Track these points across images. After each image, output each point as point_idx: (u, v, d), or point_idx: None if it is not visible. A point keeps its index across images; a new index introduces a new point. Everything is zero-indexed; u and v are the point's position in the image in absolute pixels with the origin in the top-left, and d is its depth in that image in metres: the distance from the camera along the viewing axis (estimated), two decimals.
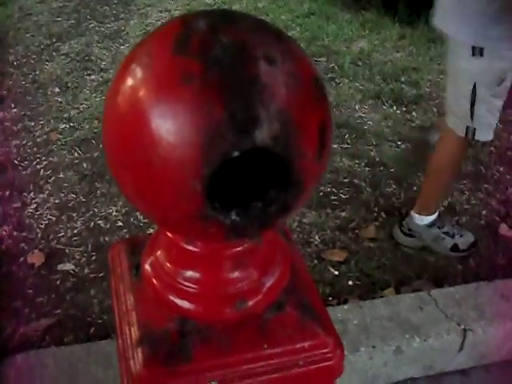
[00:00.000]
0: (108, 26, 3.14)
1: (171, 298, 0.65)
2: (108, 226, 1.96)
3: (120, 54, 2.89)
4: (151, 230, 1.93)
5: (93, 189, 2.10)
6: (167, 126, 0.51)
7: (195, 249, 0.63)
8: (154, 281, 0.66)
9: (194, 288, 0.65)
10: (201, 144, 0.49)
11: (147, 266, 0.68)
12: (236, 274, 0.64)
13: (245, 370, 0.63)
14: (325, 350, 0.65)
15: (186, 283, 0.64)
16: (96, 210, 2.01)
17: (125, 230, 1.93)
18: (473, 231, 1.93)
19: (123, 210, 2.01)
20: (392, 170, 2.23)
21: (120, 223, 1.96)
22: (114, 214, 2.00)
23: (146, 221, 1.96)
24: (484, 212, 2.07)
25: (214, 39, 0.51)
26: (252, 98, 0.49)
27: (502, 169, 2.28)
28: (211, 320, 0.64)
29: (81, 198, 2.06)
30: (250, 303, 0.64)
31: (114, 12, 3.28)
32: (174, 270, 0.65)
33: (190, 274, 0.65)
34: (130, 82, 0.55)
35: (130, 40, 2.99)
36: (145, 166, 0.53)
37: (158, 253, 0.68)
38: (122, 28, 3.12)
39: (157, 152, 0.51)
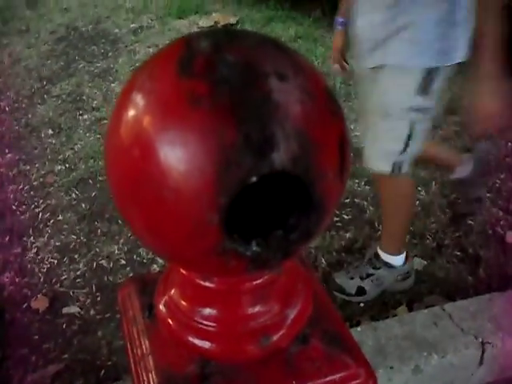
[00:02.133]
0: (97, 65, 3.15)
1: (190, 338, 0.61)
2: (111, 265, 1.93)
3: (111, 91, 2.89)
4: (155, 267, 1.90)
5: (93, 228, 2.08)
6: (177, 154, 0.47)
7: (212, 285, 0.59)
8: (170, 321, 0.62)
9: (213, 326, 0.61)
10: (215, 171, 0.46)
11: (161, 307, 0.64)
12: (257, 309, 0.61)
13: None
14: (357, 381, 0.61)
15: (205, 322, 0.61)
16: (98, 249, 1.99)
17: (128, 268, 1.90)
18: (480, 241, 1.91)
19: (125, 248, 1.98)
20: None
21: (123, 261, 1.94)
22: (117, 252, 1.98)
23: (149, 257, 1.94)
24: (489, 221, 2.05)
25: (219, 58, 0.48)
26: (266, 117, 0.46)
27: (502, 176, 2.27)
28: (234, 359, 0.61)
29: (81, 238, 2.04)
30: (275, 338, 0.60)
31: (102, 51, 3.30)
32: (191, 309, 0.62)
33: (208, 311, 0.61)
34: (132, 109, 0.50)
35: (120, 77, 3.00)
36: (155, 200, 0.49)
37: (172, 291, 0.64)
38: (112, 66, 3.13)
39: (167, 183, 0.47)
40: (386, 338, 1.54)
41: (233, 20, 3.59)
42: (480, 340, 1.52)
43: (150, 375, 0.61)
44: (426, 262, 1.88)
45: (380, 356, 1.49)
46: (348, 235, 2.00)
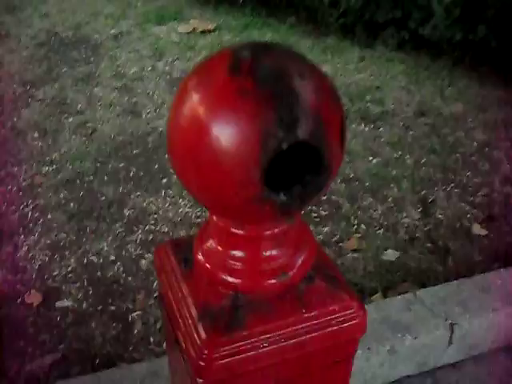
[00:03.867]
0: (79, 69, 3.22)
1: (223, 277, 0.77)
2: (101, 260, 2.01)
3: (94, 95, 2.97)
4: (143, 262, 1.99)
5: (82, 227, 2.16)
6: (231, 130, 0.64)
7: (243, 232, 0.76)
8: (207, 265, 0.79)
9: (242, 266, 0.77)
10: (259, 141, 0.63)
11: (199, 255, 0.80)
12: (276, 252, 0.77)
13: (288, 331, 0.76)
14: (351, 311, 0.80)
15: (236, 262, 0.77)
16: (87, 246, 2.07)
17: (118, 263, 1.99)
18: (449, 233, 2.06)
19: (114, 245, 2.07)
20: (367, 184, 2.35)
21: (112, 257, 2.02)
22: (106, 249, 2.06)
23: (137, 253, 2.03)
24: (457, 215, 2.19)
25: (258, 64, 0.66)
26: (293, 105, 0.64)
27: (468, 173, 2.42)
28: (259, 293, 0.78)
29: (71, 236, 2.11)
30: (290, 274, 0.78)
31: (84, 56, 3.37)
32: (225, 253, 0.78)
33: (238, 254, 0.77)
34: (191, 98, 0.68)
35: (103, 82, 3.08)
36: (213, 164, 0.66)
37: (209, 241, 0.80)
38: (94, 71, 3.21)
39: (222, 151, 0.65)
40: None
41: (211, 26, 3.69)
42: (449, 322, 1.65)
43: (192, 310, 0.76)
44: (398, 254, 2.01)
45: None
46: (326, 229, 2.12)
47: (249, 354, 0.75)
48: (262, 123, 0.63)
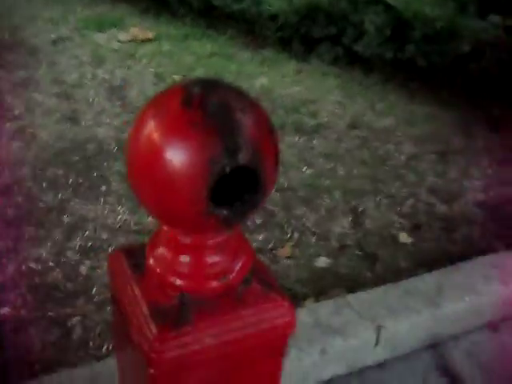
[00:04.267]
0: (17, 74, 3.19)
1: (172, 280, 0.89)
2: (40, 267, 2.02)
3: (33, 100, 2.95)
4: (83, 268, 2.02)
5: (20, 233, 2.15)
6: (182, 155, 0.76)
7: (189, 241, 0.88)
8: (158, 270, 0.90)
9: (188, 270, 0.89)
10: (206, 165, 0.75)
11: (150, 260, 0.91)
12: (217, 258, 0.90)
13: (229, 327, 0.88)
14: (282, 310, 0.92)
15: (182, 267, 0.89)
16: (26, 253, 2.07)
17: (58, 270, 2.00)
18: (377, 241, 2.18)
19: (53, 251, 2.08)
20: (300, 194, 2.45)
21: (51, 263, 2.03)
22: (45, 255, 2.06)
23: (76, 258, 2.05)
24: (386, 224, 2.32)
25: (206, 99, 0.78)
26: (236, 135, 0.76)
27: (396, 184, 2.56)
28: (203, 293, 0.90)
29: (9, 243, 2.11)
30: (230, 277, 0.90)
31: (22, 61, 3.34)
32: (173, 259, 0.90)
33: (185, 260, 0.89)
34: (147, 126, 0.78)
35: (42, 87, 3.06)
36: (166, 183, 0.77)
37: (159, 249, 0.91)
38: (32, 76, 3.18)
39: (176, 171, 0.76)
40: (296, 326, 1.74)
41: (151, 35, 3.73)
42: (376, 324, 1.77)
43: (144, 309, 0.86)
44: (330, 261, 2.12)
45: (291, 340, 1.69)
46: (260, 237, 2.20)
47: (194, 347, 0.85)
48: (210, 151, 0.74)
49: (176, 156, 0.75)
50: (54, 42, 3.58)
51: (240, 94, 0.82)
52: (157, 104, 0.81)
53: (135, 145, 0.80)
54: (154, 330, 0.83)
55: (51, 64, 3.32)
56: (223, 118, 0.75)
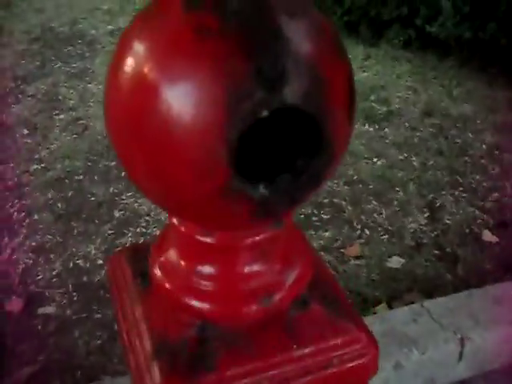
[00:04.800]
0: (73, 65, 3.12)
1: (187, 300, 0.58)
2: (88, 264, 1.90)
3: (88, 92, 2.86)
4: None
5: (69, 228, 2.05)
6: (184, 88, 0.46)
7: (212, 240, 0.57)
8: (166, 284, 0.60)
9: (212, 286, 0.59)
10: (225, 104, 0.44)
11: (156, 270, 0.62)
12: (257, 267, 0.59)
13: (274, 374, 0.57)
14: (358, 346, 0.62)
15: (204, 282, 0.58)
16: (74, 249, 1.96)
17: (106, 268, 1.87)
18: (458, 240, 1.94)
19: (102, 248, 1.96)
20: (371, 187, 2.23)
21: (100, 261, 1.91)
22: (93, 252, 1.95)
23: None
24: (466, 220, 2.07)
25: None
26: (279, 50, 0.45)
27: (477, 177, 2.30)
28: (234, 322, 0.59)
29: (58, 238, 2.00)
30: (276, 299, 0.59)
31: (79, 52, 3.27)
32: (189, 269, 0.59)
33: (207, 270, 0.59)
34: (137, 46, 0.50)
35: (98, 78, 2.97)
36: (160, 139, 0.47)
37: (169, 252, 0.62)
38: (88, 67, 3.10)
39: (174, 120, 0.46)
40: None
41: None
42: (459, 336, 1.54)
43: (145, 342, 0.58)
44: (404, 261, 1.90)
45: None
46: (327, 234, 2.01)
47: None
48: (230, 77, 0.44)
49: (175, 91, 0.46)
50: (111, 33, 3.49)
51: None
52: (147, 11, 0.51)
53: (114, 81, 0.52)
54: (158, 378, 0.53)
55: (108, 54, 3.23)
56: (254, 20, 0.44)
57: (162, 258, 0.62)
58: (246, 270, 0.59)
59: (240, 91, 0.43)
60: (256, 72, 0.43)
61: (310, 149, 0.49)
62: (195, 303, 0.58)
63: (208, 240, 0.57)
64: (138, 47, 0.49)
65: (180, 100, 0.46)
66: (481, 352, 1.57)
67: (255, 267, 0.59)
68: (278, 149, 0.50)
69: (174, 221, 0.60)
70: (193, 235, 0.58)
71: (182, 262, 0.60)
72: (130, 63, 0.50)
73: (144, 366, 0.56)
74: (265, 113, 0.44)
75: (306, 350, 0.59)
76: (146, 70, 0.48)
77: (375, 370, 0.65)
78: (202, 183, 0.47)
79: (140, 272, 0.63)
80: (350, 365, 0.61)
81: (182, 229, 0.59)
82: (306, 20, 0.49)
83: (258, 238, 0.58)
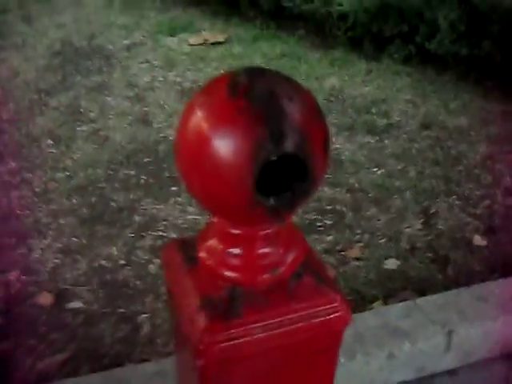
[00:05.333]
0: (92, 79, 3.30)
1: (222, 271, 0.89)
2: (111, 264, 2.07)
3: (107, 104, 3.05)
4: (152, 267, 2.06)
5: (93, 231, 2.22)
6: (229, 142, 0.76)
7: (240, 232, 0.87)
8: (208, 262, 0.91)
9: (239, 262, 0.89)
10: (252, 152, 0.75)
11: (202, 253, 0.92)
12: (268, 250, 0.89)
13: (280, 320, 0.87)
14: (335, 304, 0.90)
15: (234, 259, 0.89)
16: (98, 250, 2.13)
17: (128, 268, 2.05)
18: (450, 244, 2.11)
19: (124, 250, 2.13)
20: (370, 195, 2.40)
21: (122, 261, 2.08)
22: (116, 253, 2.12)
23: (146, 257, 2.09)
24: (459, 225, 2.24)
25: (253, 87, 0.78)
26: (282, 122, 0.75)
27: (471, 186, 2.46)
28: (253, 286, 0.89)
29: (82, 240, 2.18)
30: (281, 270, 0.89)
31: (97, 66, 3.45)
32: (224, 251, 0.89)
33: (236, 251, 0.89)
34: (196, 114, 0.79)
35: (115, 91, 3.16)
36: (213, 170, 0.78)
37: (210, 241, 0.92)
38: (106, 80, 3.29)
39: (222, 160, 0.77)
40: (364, 328, 1.71)
41: (221, 38, 3.77)
42: (447, 329, 1.70)
43: (193, 300, 0.87)
44: (399, 263, 2.07)
45: (358, 343, 1.66)
46: (329, 238, 2.18)
47: (243, 340, 0.85)
48: (255, 137, 0.74)
49: (222, 144, 0.76)
50: (128, 48, 3.68)
51: (287, 80, 0.82)
52: (204, 93, 0.82)
53: (183, 134, 0.81)
54: (204, 322, 0.83)
55: (124, 68, 3.42)
56: (269, 104, 0.76)
57: (206, 244, 0.93)
58: (261, 251, 0.89)
59: (260, 145, 0.75)
60: (269, 134, 0.74)
61: (300, 177, 0.79)
62: (228, 273, 0.89)
63: (237, 232, 0.87)
64: (198, 115, 0.79)
65: (225, 150, 0.76)
66: (466, 344, 1.74)
67: (267, 250, 0.89)
68: (282, 177, 0.80)
69: (214, 219, 0.90)
70: (227, 228, 0.88)
71: (220, 246, 0.90)
72: (193, 125, 0.80)
73: (194, 315, 0.85)
74: (274, 157, 0.75)
75: (300, 305, 0.89)
76: (204, 129, 0.78)
77: (348, 321, 0.93)
78: (236, 197, 0.78)
79: (187, 256, 0.93)
80: (330, 317, 0.90)
81: (220, 224, 0.89)
82: (298, 100, 0.79)
83: (269, 230, 0.87)
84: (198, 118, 0.78)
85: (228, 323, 0.84)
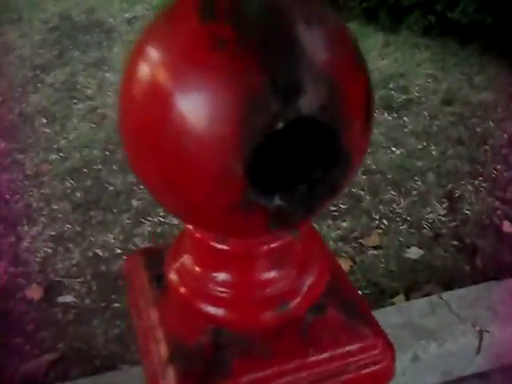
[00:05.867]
0: (91, 54, 3.12)
1: (202, 306, 0.59)
2: (106, 254, 1.92)
3: (105, 81, 2.87)
4: None
5: (87, 218, 2.06)
6: (199, 100, 0.45)
7: (228, 247, 0.57)
8: (181, 289, 0.60)
9: (228, 293, 0.59)
10: (240, 116, 0.44)
11: (172, 275, 0.62)
12: (273, 274, 0.59)
13: (289, 380, 0.57)
14: (375, 352, 0.62)
15: (219, 288, 0.59)
16: (93, 238, 1.98)
17: (124, 257, 1.89)
18: (477, 230, 1.92)
19: (120, 237, 1.98)
20: (389, 176, 2.22)
21: (118, 250, 1.93)
22: (112, 241, 1.96)
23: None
24: (486, 211, 2.05)
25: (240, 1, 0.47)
26: (294, 61, 0.45)
27: (498, 167, 2.27)
28: (249, 328, 0.59)
29: (76, 227, 2.02)
30: (292, 305, 0.59)
31: (96, 40, 3.27)
32: (204, 275, 0.60)
33: (222, 277, 0.59)
34: (150, 56, 0.49)
35: (115, 67, 2.97)
36: (174, 151, 0.47)
37: (184, 258, 0.62)
38: (106, 55, 3.10)
39: (188, 133, 0.46)
40: (384, 327, 1.52)
41: None
42: (477, 328, 1.53)
43: (160, 346, 0.59)
44: (422, 252, 1.89)
45: None
46: (345, 224, 2.00)
47: None
48: (245, 89, 0.44)
49: (189, 103, 0.46)
50: (129, 21, 3.49)
51: None
52: (162, 20, 0.50)
53: (127, 90, 0.51)
54: (172, 382, 0.53)
55: (125, 43, 3.23)
56: (270, 31, 0.45)
57: (178, 264, 0.62)
58: (262, 276, 0.59)
59: (255, 103, 0.44)
60: (271, 84, 0.43)
61: (326, 160, 0.49)
62: (210, 309, 0.59)
63: (223, 247, 0.57)
64: (152, 57, 0.49)
65: (194, 111, 0.46)
66: (499, 345, 1.56)
67: (271, 274, 0.59)
68: (295, 160, 0.52)
69: (189, 227, 0.60)
70: (208, 242, 0.58)
71: (197, 268, 0.60)
72: (143, 73, 0.49)
73: (159, 370, 0.57)
74: (280, 125, 0.44)
75: (322, 356, 0.59)
76: (160, 80, 0.48)
77: (392, 376, 0.65)
78: (216, 195, 0.47)
79: (156, 275, 0.64)
80: (366, 371, 0.61)
81: (197, 235, 0.59)
82: (322, 29, 0.49)
83: (273, 245, 0.58)
84: (151, 62, 0.48)
85: None
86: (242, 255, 0.58)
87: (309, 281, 0.60)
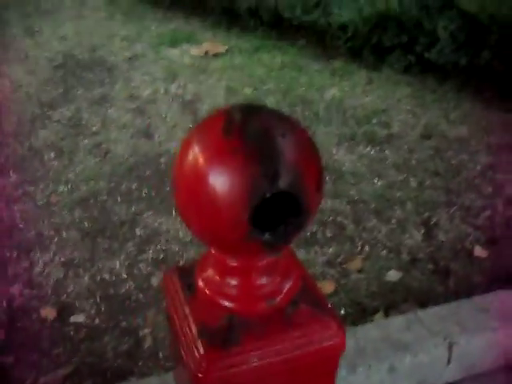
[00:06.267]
0: (94, 91, 3.33)
1: (220, 301, 0.92)
2: (113, 278, 2.08)
3: (108, 117, 3.07)
4: (154, 279, 2.07)
5: (95, 245, 2.23)
6: (224, 180, 0.79)
7: (236, 263, 0.90)
8: (207, 291, 0.94)
9: (236, 292, 0.92)
10: (247, 190, 0.77)
11: (200, 282, 0.95)
12: (264, 280, 0.92)
13: (277, 348, 0.89)
14: (331, 331, 0.91)
15: (230, 289, 0.92)
16: (100, 264, 2.14)
17: (130, 281, 2.06)
18: (451, 255, 2.11)
19: (126, 263, 2.14)
20: (372, 206, 2.41)
21: (124, 275, 2.09)
22: (118, 267, 2.13)
23: (149, 271, 2.10)
24: (459, 236, 2.24)
25: (246, 125, 0.81)
26: (276, 161, 0.79)
27: (472, 196, 2.47)
28: (250, 315, 0.91)
29: (85, 254, 2.19)
30: (277, 300, 0.91)
31: (99, 78, 3.48)
32: (221, 281, 0.93)
33: (233, 282, 0.92)
34: (193, 151, 0.82)
35: (117, 103, 3.18)
36: (209, 206, 0.81)
37: (208, 271, 0.95)
38: (108, 93, 3.31)
39: (217, 198, 0.79)
40: (364, 341, 1.71)
41: (222, 49, 3.80)
42: (448, 341, 1.71)
43: (192, 328, 0.89)
44: (401, 274, 2.07)
45: (359, 356, 1.66)
46: (330, 250, 2.18)
47: (241, 368, 0.87)
48: (250, 176, 0.77)
49: (218, 181, 0.78)
50: (130, 60, 3.70)
51: (281, 118, 0.84)
52: (201, 130, 0.85)
53: (180, 171, 0.84)
54: (202, 350, 0.85)
55: (126, 81, 3.45)
56: (262, 143, 0.78)
57: (204, 274, 0.95)
58: (257, 281, 0.91)
59: (254, 183, 0.77)
60: (263, 174, 0.77)
61: (294, 212, 0.82)
62: (225, 303, 0.91)
63: (234, 263, 0.90)
64: (195, 153, 0.82)
65: (221, 187, 0.79)
66: (468, 356, 1.74)
67: (263, 280, 0.92)
68: (277, 212, 0.84)
69: (212, 250, 0.93)
70: (224, 260, 0.91)
71: (217, 277, 0.93)
72: (190, 162, 0.83)
73: (192, 343, 0.88)
74: (268, 195, 0.77)
75: (296, 333, 0.90)
76: (200, 167, 0.81)
77: (343, 348, 0.94)
78: (231, 232, 0.80)
79: (187, 284, 0.96)
80: (326, 343, 0.92)
81: (218, 256, 0.92)
82: (292, 137, 0.82)
83: (264, 262, 0.90)
84: (195, 155, 0.81)
85: (226, 351, 0.86)
86: (246, 268, 0.91)
87: (288, 284, 0.93)
